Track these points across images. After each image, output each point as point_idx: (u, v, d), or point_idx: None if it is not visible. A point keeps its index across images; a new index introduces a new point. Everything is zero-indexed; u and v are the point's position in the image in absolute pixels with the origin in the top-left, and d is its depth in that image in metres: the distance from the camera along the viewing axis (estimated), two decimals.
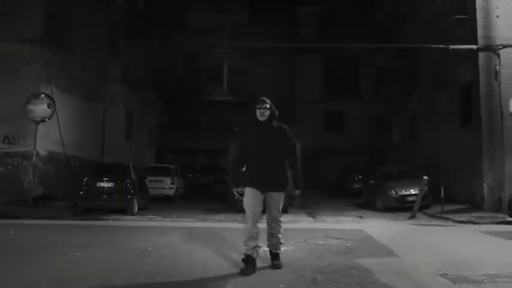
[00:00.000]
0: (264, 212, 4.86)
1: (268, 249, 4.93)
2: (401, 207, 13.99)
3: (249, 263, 4.64)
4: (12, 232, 7.70)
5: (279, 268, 4.68)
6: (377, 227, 9.72)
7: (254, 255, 4.70)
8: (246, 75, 28.06)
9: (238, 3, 28.84)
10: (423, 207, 13.87)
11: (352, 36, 25.09)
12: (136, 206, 12.48)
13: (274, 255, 4.84)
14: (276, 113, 4.83)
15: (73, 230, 8.55)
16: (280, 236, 4.85)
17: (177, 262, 5.20)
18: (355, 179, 20.83)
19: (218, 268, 4.82)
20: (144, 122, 23.66)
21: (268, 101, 4.78)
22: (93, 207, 12.33)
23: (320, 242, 6.86)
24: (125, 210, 12.17)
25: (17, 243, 6.63)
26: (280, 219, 4.89)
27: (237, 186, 5.00)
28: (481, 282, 4.04)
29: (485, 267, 4.76)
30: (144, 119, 23.69)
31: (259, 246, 4.78)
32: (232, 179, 5.21)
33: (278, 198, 4.81)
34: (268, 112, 4.74)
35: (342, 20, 26.73)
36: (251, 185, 4.72)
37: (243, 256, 4.74)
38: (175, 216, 12.14)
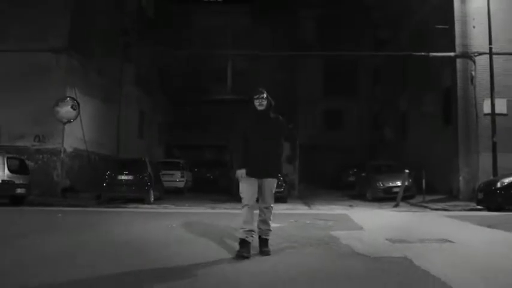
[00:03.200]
0: (257, 199, 5.09)
1: (258, 235, 5.10)
2: (388, 198, 15.65)
3: (244, 246, 4.85)
4: (59, 215, 9.45)
5: (268, 255, 4.87)
6: (360, 212, 11.40)
7: (249, 240, 4.89)
8: (248, 76, 29.60)
9: (242, 7, 30.44)
10: (408, 198, 15.55)
11: (350, 37, 26.87)
12: (152, 196, 14.22)
13: (264, 241, 5.03)
14: (272, 102, 5.10)
15: (106, 214, 10.30)
16: (270, 222, 5.07)
17: (195, 233, 6.87)
18: (351, 173, 22.52)
19: (230, 243, 5.75)
20: (154, 120, 25.41)
21: (264, 91, 5.03)
22: (115, 197, 14.14)
23: (308, 222, 8.56)
24: (142, 200, 13.94)
25: (71, 223, 8.38)
26: (272, 205, 5.13)
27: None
28: (411, 242, 5.74)
29: (424, 235, 6.44)
30: (154, 117, 25.43)
31: (253, 231, 4.97)
32: (237, 164, 5.07)
33: (272, 184, 5.09)
34: (266, 102, 4.99)
35: (340, 23, 28.36)
36: (248, 172, 4.94)
37: (239, 240, 4.96)
38: (186, 205, 13.87)
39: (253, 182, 4.96)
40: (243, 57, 29.64)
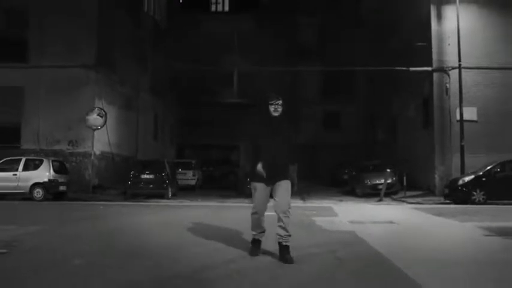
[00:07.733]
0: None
1: (278, 241, 5.00)
2: (375, 194, 17.86)
3: (255, 245, 5.18)
4: (101, 207, 11.87)
5: (292, 263, 4.73)
6: (343, 205, 13.73)
7: (260, 238, 5.18)
8: (253, 80, 31.87)
9: (247, 15, 32.80)
10: (392, 193, 17.80)
11: (348, 43, 29.14)
12: (170, 193, 16.63)
13: (284, 248, 4.93)
14: (284, 110, 5.26)
15: (134, 207, 12.68)
16: (289, 228, 4.98)
17: (212, 221, 9.23)
18: (346, 171, 24.74)
19: (235, 230, 8.02)
20: (166, 123, 27.84)
21: (280, 98, 5.11)
22: (138, 193, 16.56)
23: (298, 212, 10.89)
24: (162, 196, 16.35)
25: (111, 212, 10.78)
26: (290, 210, 5.03)
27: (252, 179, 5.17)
28: (364, 223, 8.07)
29: (378, 219, 8.75)
30: (166, 120, 27.86)
31: (263, 232, 5.16)
32: (251, 172, 5.15)
33: (287, 186, 5.05)
34: (281, 108, 5.07)
35: (338, 30, 30.67)
36: (260, 179, 4.99)
37: (251, 240, 5.24)
38: (199, 200, 16.26)
39: (265, 189, 5.06)
40: (248, 62, 31.89)
